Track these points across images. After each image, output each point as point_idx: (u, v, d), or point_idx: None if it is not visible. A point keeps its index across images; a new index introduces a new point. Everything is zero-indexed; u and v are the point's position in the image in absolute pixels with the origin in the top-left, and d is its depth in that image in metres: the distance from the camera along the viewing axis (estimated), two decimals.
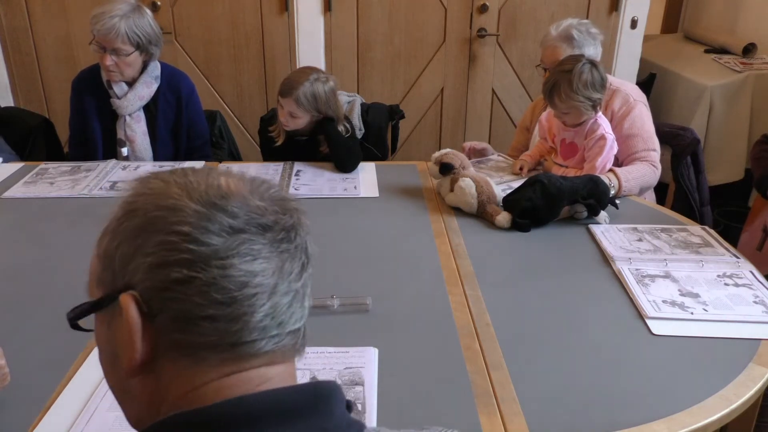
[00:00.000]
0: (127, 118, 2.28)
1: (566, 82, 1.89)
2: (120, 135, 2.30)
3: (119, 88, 2.25)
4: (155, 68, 2.29)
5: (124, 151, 2.31)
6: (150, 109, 2.31)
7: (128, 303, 0.55)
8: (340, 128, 2.23)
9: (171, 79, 2.32)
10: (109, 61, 2.15)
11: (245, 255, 0.55)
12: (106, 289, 0.58)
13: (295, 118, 2.18)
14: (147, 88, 2.27)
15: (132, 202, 0.58)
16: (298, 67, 3.26)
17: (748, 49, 3.34)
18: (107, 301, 0.57)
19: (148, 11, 2.21)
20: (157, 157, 2.34)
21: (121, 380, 0.59)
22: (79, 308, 0.59)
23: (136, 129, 2.30)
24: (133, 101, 2.26)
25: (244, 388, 0.56)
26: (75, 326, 0.60)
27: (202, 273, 0.54)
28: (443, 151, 1.98)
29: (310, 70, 2.21)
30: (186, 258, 0.54)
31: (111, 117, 2.30)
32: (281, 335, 0.57)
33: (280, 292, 0.56)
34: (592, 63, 1.92)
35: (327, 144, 2.24)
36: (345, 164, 2.21)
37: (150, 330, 0.55)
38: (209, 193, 0.56)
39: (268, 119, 2.37)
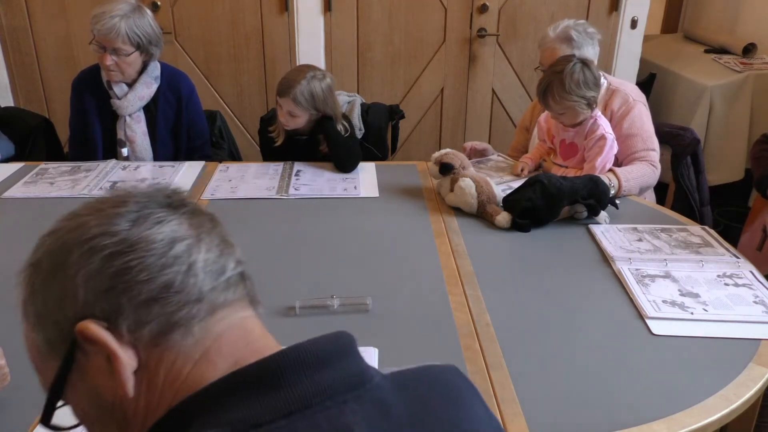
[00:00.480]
0: (127, 118, 2.28)
1: (558, 83, 1.89)
2: (120, 135, 2.30)
3: (119, 88, 2.25)
4: (155, 68, 2.29)
5: (125, 151, 2.31)
6: (150, 110, 2.31)
7: (86, 326, 0.56)
8: (339, 127, 2.23)
9: (171, 79, 2.32)
10: (110, 61, 2.15)
11: (157, 223, 0.59)
12: (59, 348, 0.58)
13: (295, 117, 2.18)
14: (147, 88, 2.27)
15: (32, 261, 0.61)
16: None
17: (748, 49, 3.34)
18: (70, 355, 0.57)
19: (149, 11, 2.21)
20: (157, 158, 2.34)
21: (116, 419, 0.59)
22: (47, 400, 0.59)
23: (136, 129, 2.30)
24: (133, 101, 2.26)
25: (245, 340, 0.60)
26: (54, 427, 0.61)
27: (131, 254, 0.56)
28: (443, 151, 1.98)
29: (306, 68, 2.21)
30: (110, 252, 0.56)
31: (111, 117, 2.30)
32: (232, 278, 0.61)
33: (206, 241, 0.60)
34: (584, 62, 1.92)
35: (326, 144, 2.24)
36: (345, 164, 2.21)
37: (122, 337, 0.56)
38: (102, 208, 0.60)
39: (268, 119, 2.37)
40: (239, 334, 0.60)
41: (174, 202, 0.62)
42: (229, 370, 0.57)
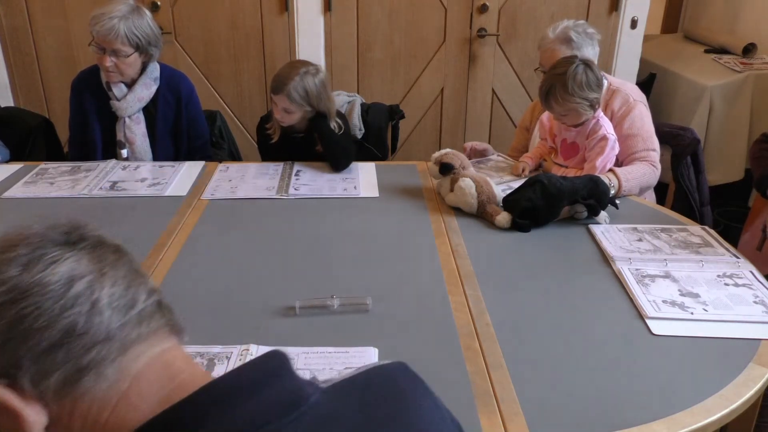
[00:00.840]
0: (127, 119, 2.28)
1: (561, 85, 1.89)
2: (120, 137, 2.30)
3: (118, 89, 2.25)
4: (154, 69, 2.29)
5: (124, 152, 2.31)
6: (149, 111, 2.31)
7: None
8: (333, 125, 2.22)
9: (170, 80, 2.32)
10: (109, 62, 2.15)
11: (52, 263, 0.54)
12: None
13: (290, 114, 2.17)
14: (146, 89, 2.27)
15: None
16: None
17: (748, 49, 3.34)
18: None
19: (147, 12, 2.21)
20: (156, 159, 2.33)
21: None
22: None
23: (136, 131, 2.30)
24: (132, 103, 2.26)
25: (167, 375, 0.56)
26: None
27: (24, 301, 0.52)
28: (443, 151, 1.98)
29: (299, 63, 2.20)
30: (0, 302, 0.52)
31: (111, 118, 2.30)
32: (145, 310, 0.57)
33: (110, 275, 0.56)
34: (586, 63, 1.92)
35: (320, 142, 2.24)
36: (338, 163, 2.21)
37: (25, 392, 0.52)
38: None
39: (267, 118, 2.36)
40: (160, 370, 0.56)
41: (72, 237, 0.58)
42: (153, 411, 0.53)
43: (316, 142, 2.27)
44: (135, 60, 2.20)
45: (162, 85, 2.30)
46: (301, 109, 2.16)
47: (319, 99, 2.16)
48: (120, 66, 2.18)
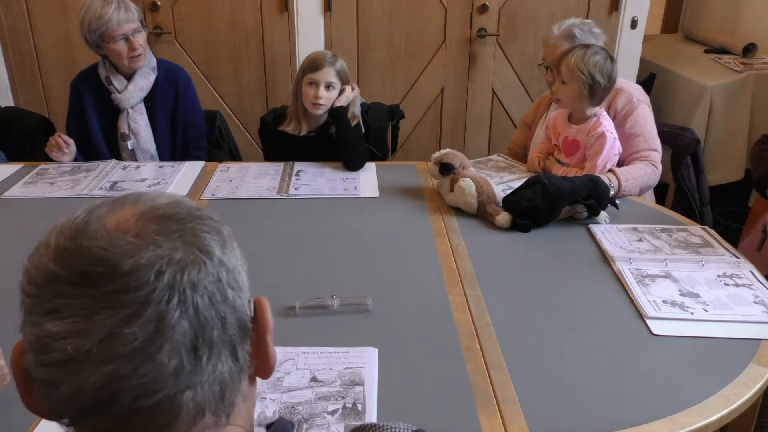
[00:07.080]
0: (130, 111, 2.30)
1: (580, 53, 1.94)
2: (123, 129, 2.31)
3: (119, 82, 2.27)
4: (151, 59, 2.32)
5: (129, 144, 2.31)
6: (148, 102, 2.32)
7: None
8: (351, 116, 2.25)
9: (167, 71, 2.35)
10: (141, 41, 2.19)
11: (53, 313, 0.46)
12: None
13: (332, 90, 2.20)
14: (145, 79, 2.29)
15: None
16: (298, 67, 3.26)
17: (748, 49, 3.34)
18: None
19: None
20: (158, 149, 2.35)
21: None
22: None
23: (140, 121, 2.31)
24: (133, 93, 2.28)
25: None
26: None
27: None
28: (443, 151, 1.98)
29: (325, 51, 2.29)
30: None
31: (110, 113, 2.31)
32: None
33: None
34: (610, 56, 1.96)
35: (337, 136, 2.23)
36: (352, 161, 2.21)
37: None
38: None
39: (271, 121, 2.35)
40: None
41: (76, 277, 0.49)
42: None
43: (325, 144, 2.26)
44: (144, 36, 2.24)
45: (160, 76, 2.32)
46: (339, 86, 2.21)
47: (348, 81, 2.24)
48: (143, 44, 2.22)
